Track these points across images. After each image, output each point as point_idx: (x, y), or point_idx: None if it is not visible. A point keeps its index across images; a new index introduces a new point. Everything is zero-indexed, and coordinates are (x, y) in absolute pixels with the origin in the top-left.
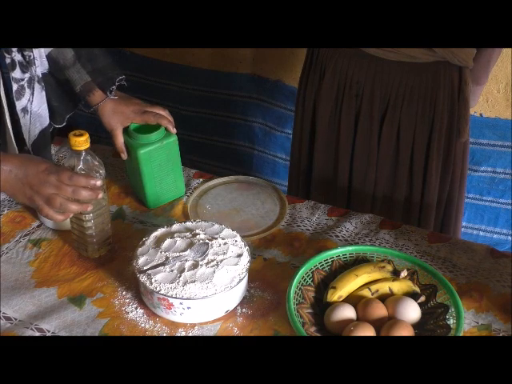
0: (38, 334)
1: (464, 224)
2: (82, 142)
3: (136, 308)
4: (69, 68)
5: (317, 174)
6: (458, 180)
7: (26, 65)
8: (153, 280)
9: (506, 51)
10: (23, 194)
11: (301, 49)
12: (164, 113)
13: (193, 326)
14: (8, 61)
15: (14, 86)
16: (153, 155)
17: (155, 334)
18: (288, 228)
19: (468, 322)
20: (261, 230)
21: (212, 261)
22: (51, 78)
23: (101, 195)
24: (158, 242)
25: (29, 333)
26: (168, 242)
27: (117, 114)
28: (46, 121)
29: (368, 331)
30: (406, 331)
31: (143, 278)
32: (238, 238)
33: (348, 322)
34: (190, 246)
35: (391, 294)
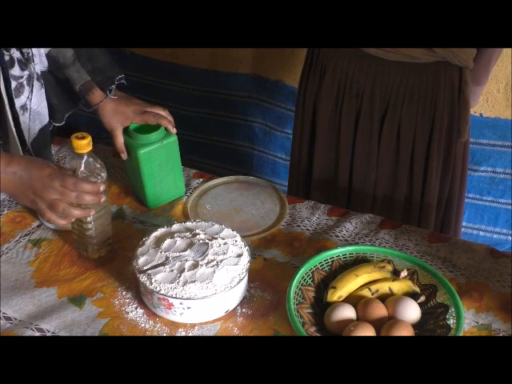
0: (37, 333)
1: (464, 224)
2: (84, 145)
3: (136, 308)
4: (68, 67)
5: (317, 174)
6: (458, 180)
7: (25, 62)
8: (153, 280)
9: (506, 51)
10: (26, 197)
11: (301, 49)
12: (164, 113)
13: (193, 326)
14: (7, 58)
15: (13, 84)
16: (153, 155)
17: (155, 333)
18: (288, 228)
19: (468, 321)
20: (261, 230)
21: (212, 261)
22: (51, 76)
23: (104, 199)
24: (158, 242)
25: (29, 333)
26: (168, 242)
27: (117, 114)
28: (46, 119)
29: (368, 331)
30: (406, 331)
31: (143, 278)
32: (238, 237)
33: (348, 321)
34: (190, 246)
35: (391, 293)
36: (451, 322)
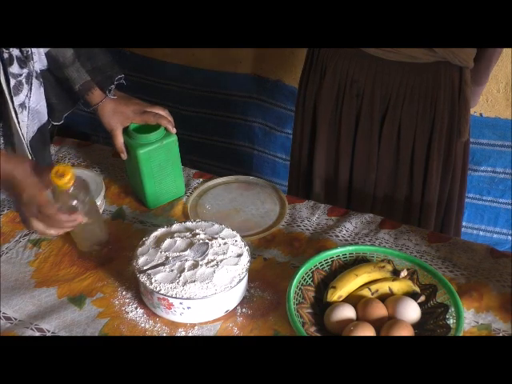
0: (37, 333)
1: (464, 224)
2: (65, 182)
3: (136, 308)
4: (68, 66)
5: (317, 174)
6: (459, 180)
7: (24, 60)
8: (153, 280)
9: (506, 51)
10: (9, 195)
11: (301, 49)
12: (164, 113)
13: (193, 325)
14: (6, 55)
15: (12, 82)
16: (152, 155)
17: (155, 333)
18: (288, 228)
19: (468, 321)
20: (261, 230)
21: (212, 261)
22: (50, 75)
23: (85, 221)
24: (158, 241)
25: (29, 333)
26: (168, 241)
27: (117, 114)
28: (45, 117)
29: (368, 331)
30: (406, 331)
31: (143, 278)
32: (238, 237)
33: (348, 321)
34: (190, 245)
35: (391, 293)
36: (451, 321)
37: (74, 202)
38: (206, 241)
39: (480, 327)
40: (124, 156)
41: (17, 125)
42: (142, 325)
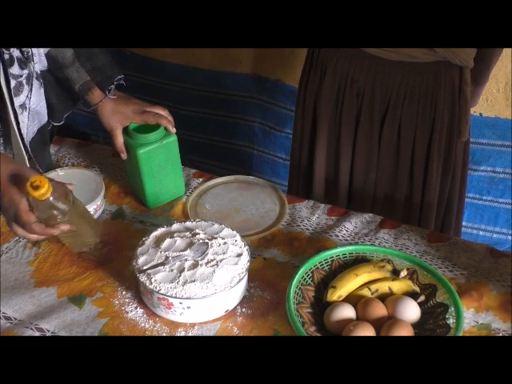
0: (37, 333)
1: (464, 224)
2: (41, 194)
3: (136, 308)
4: (68, 67)
5: (317, 174)
6: (459, 180)
7: (25, 61)
8: (152, 280)
9: (506, 51)
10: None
11: (301, 49)
12: (164, 112)
13: (192, 325)
14: (6, 56)
15: (12, 83)
16: (152, 155)
17: (155, 333)
18: (288, 228)
19: (468, 321)
20: (260, 230)
21: (212, 260)
22: (50, 75)
23: (66, 228)
24: (158, 241)
25: (29, 332)
26: (168, 241)
27: (116, 113)
28: (45, 118)
29: (368, 331)
30: (406, 331)
31: (143, 278)
32: (238, 237)
33: (348, 321)
34: (190, 245)
35: (391, 293)
36: (451, 321)
37: (53, 212)
38: (206, 240)
39: (480, 327)
40: (124, 156)
41: (14, 125)
42: (142, 324)
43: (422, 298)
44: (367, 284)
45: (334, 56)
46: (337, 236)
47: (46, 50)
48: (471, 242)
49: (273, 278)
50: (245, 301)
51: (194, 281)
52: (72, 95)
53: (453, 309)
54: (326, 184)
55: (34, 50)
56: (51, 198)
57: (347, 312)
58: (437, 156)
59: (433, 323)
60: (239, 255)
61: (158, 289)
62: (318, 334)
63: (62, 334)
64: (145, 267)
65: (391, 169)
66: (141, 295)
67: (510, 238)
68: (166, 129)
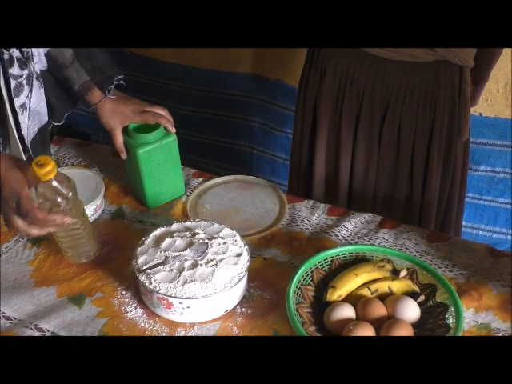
0: (37, 333)
1: (463, 223)
2: (46, 172)
3: (135, 307)
4: (67, 67)
5: (317, 174)
6: (459, 179)
7: (25, 61)
8: (152, 279)
9: (505, 51)
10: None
11: (301, 49)
12: (163, 112)
13: (192, 325)
14: (6, 57)
15: (13, 83)
16: (152, 155)
17: (155, 333)
18: (287, 227)
19: (467, 321)
20: (260, 230)
21: (211, 260)
22: (50, 75)
23: (68, 221)
24: (158, 241)
25: (28, 332)
26: (167, 241)
27: (116, 113)
28: (45, 118)
29: (367, 331)
30: (406, 331)
31: (143, 278)
32: (238, 237)
33: (347, 321)
34: (190, 245)
35: (391, 293)
36: (451, 321)
37: (57, 197)
38: (206, 240)
39: (479, 327)
40: (123, 156)
41: (13, 126)
42: (142, 324)
43: (422, 297)
44: (367, 284)
45: (334, 55)
46: (336, 236)
47: (46, 49)
48: (471, 242)
49: (272, 278)
50: (244, 301)
51: (193, 280)
52: (72, 95)
53: (452, 308)
54: (325, 184)
55: (34, 50)
56: (55, 182)
57: (347, 312)
58: (437, 156)
59: (432, 323)
60: (239, 255)
61: (157, 288)
62: (318, 334)
63: (62, 333)
64: (144, 267)
65: (391, 168)
66: (140, 295)
67: (509, 237)
68: (165, 128)
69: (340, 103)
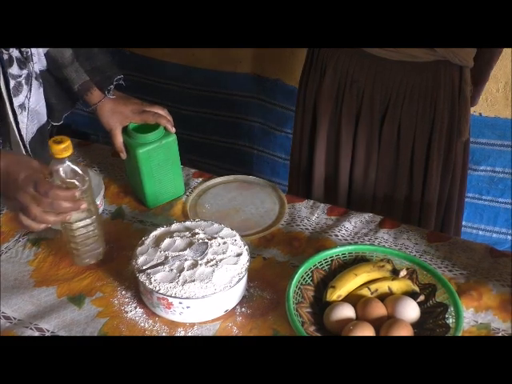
0: (37, 333)
1: (463, 223)
2: (62, 149)
3: (135, 307)
4: (67, 67)
5: (317, 174)
6: (459, 179)
7: (24, 61)
8: (152, 279)
9: (506, 51)
10: (6, 196)
11: (301, 48)
12: (163, 112)
13: (192, 325)
14: (5, 57)
15: (12, 83)
16: (152, 155)
17: (154, 333)
18: (287, 227)
19: (467, 321)
20: (260, 230)
21: (211, 260)
22: (49, 75)
23: (84, 206)
24: (158, 241)
25: (28, 332)
26: (167, 241)
27: (116, 113)
28: (44, 118)
29: (367, 330)
30: (406, 330)
31: (142, 278)
32: (238, 237)
33: (347, 321)
34: (190, 245)
35: (390, 293)
36: (450, 321)
37: (73, 181)
38: (206, 240)
39: (479, 327)
40: (123, 155)
41: (14, 126)
42: (142, 324)
43: (422, 297)
44: (367, 284)
45: (334, 55)
46: (336, 236)
47: (46, 49)
48: (471, 242)
49: (272, 278)
50: (244, 300)
51: (193, 280)
52: (71, 95)
53: (452, 308)
54: (325, 183)
55: (33, 50)
56: (70, 163)
57: (347, 312)
58: (437, 155)
59: (432, 323)
60: (239, 255)
61: (157, 288)
62: (318, 334)
63: (62, 333)
64: (144, 267)
65: (391, 168)
66: (140, 295)
67: (509, 237)
68: (165, 128)
69: (340, 103)
